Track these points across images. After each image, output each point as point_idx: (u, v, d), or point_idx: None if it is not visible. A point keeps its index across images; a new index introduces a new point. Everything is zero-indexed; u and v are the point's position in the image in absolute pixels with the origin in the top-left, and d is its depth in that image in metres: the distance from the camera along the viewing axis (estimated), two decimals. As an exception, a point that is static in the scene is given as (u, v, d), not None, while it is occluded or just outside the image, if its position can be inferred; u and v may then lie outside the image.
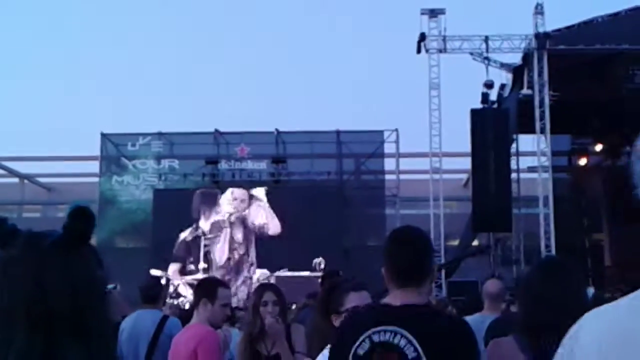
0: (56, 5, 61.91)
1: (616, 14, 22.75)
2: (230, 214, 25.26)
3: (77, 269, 1.36)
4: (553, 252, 22.38)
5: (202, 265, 24.72)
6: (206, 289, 4.99)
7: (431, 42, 24.00)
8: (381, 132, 28.33)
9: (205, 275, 22.85)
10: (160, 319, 6.49)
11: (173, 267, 24.91)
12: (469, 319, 6.27)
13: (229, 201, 25.46)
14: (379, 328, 2.81)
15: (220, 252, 24.99)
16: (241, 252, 24.95)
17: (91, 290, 1.38)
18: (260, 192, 25.55)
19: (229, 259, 24.87)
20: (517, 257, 24.62)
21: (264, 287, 5.49)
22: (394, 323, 2.79)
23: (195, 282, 23.51)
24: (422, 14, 24.11)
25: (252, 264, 24.85)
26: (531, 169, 25.32)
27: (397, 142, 28.54)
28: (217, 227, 25.26)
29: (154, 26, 62.16)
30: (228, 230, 25.10)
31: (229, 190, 25.68)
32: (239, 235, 25.09)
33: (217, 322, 5.03)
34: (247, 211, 25.35)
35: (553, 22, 23.51)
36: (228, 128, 28.17)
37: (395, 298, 2.91)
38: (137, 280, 7.56)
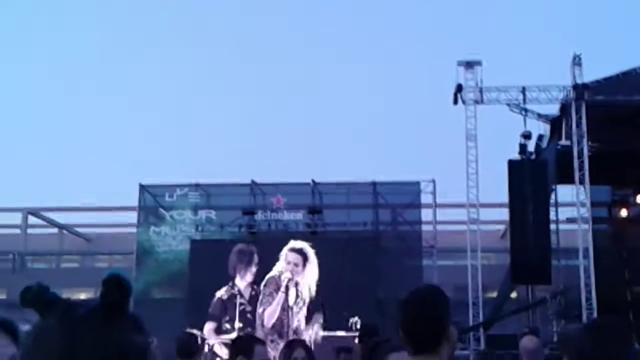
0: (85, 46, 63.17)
1: (655, 65, 22.65)
2: (288, 279, 24.92)
3: (111, 339, 1.34)
4: (594, 305, 22.02)
5: (237, 324, 24.42)
6: (242, 347, 4.94)
7: (468, 93, 24.05)
8: (418, 182, 28.21)
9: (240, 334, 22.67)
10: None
11: (208, 326, 24.66)
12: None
13: (284, 266, 25.13)
14: None
15: (270, 315, 24.65)
16: (289, 315, 24.66)
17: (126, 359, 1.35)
18: (310, 251, 25.35)
19: (277, 321, 24.56)
20: (579, 311, 23.68)
21: (294, 343, 5.45)
22: None
23: (230, 342, 23.27)
24: (459, 65, 24.20)
25: (296, 326, 24.54)
26: (570, 220, 25.05)
27: (434, 192, 28.36)
28: (272, 286, 24.99)
29: (190, 81, 63.05)
30: (283, 295, 24.82)
31: (284, 253, 25.29)
32: (291, 300, 24.82)
33: (254, 380, 4.96)
34: (300, 276, 25.13)
35: (591, 73, 23.46)
36: (264, 179, 28.32)
37: None
38: (173, 332, 7.52)
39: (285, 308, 24.61)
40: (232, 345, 5.11)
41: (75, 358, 1.30)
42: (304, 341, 5.69)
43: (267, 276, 24.99)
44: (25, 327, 1.52)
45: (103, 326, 1.33)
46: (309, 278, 24.91)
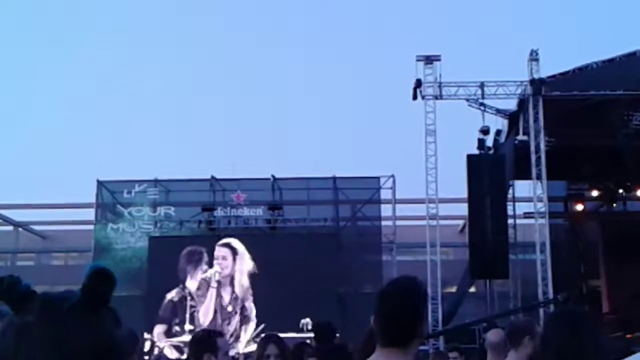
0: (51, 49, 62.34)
1: (611, 60, 22.89)
2: (217, 273, 24.91)
3: (96, 333, 1.30)
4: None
5: (188, 326, 24.27)
6: (206, 343, 4.80)
7: (427, 89, 24.09)
8: (377, 178, 28.30)
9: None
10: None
11: (158, 329, 24.47)
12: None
13: (214, 260, 25.19)
14: None
15: (205, 313, 24.59)
16: (228, 310, 24.59)
17: (111, 354, 1.31)
18: (240, 245, 25.32)
19: (213, 319, 24.44)
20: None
21: (266, 339, 5.34)
22: None
23: (181, 344, 23.30)
24: (418, 60, 24.23)
25: (238, 323, 24.49)
26: (528, 215, 25.27)
27: (393, 188, 28.49)
28: (203, 286, 24.94)
29: (149, 75, 62.49)
30: (214, 290, 24.76)
31: (217, 248, 25.39)
32: (226, 295, 24.75)
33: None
34: (234, 269, 25.05)
35: (548, 68, 23.65)
36: (224, 175, 28.15)
37: (377, 356, 2.82)
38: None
39: (219, 306, 24.56)
40: (194, 344, 4.90)
41: (60, 355, 1.26)
42: (277, 336, 5.53)
43: (199, 278, 24.98)
44: None
45: (87, 321, 1.30)
46: (240, 274, 24.88)
